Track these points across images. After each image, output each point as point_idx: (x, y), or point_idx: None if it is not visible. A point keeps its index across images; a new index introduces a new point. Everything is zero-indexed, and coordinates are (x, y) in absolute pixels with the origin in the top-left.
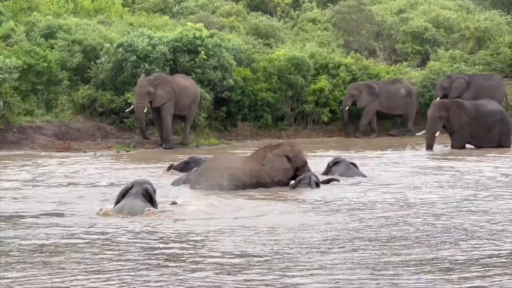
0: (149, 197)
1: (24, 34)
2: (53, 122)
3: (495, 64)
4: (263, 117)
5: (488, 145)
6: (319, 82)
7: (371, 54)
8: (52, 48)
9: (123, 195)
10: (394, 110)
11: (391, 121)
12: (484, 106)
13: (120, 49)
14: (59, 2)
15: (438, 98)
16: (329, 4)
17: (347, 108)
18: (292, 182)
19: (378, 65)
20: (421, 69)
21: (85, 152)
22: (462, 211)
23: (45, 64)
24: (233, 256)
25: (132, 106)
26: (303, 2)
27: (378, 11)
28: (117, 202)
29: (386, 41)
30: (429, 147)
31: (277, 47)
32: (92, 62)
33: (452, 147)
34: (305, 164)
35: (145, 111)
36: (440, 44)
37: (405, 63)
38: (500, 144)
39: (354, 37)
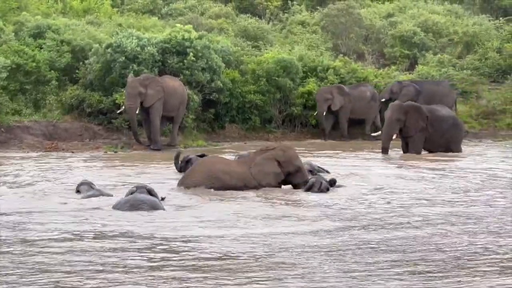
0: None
1: (13, 33)
2: (41, 122)
3: (483, 69)
4: (251, 119)
5: (439, 150)
6: (307, 85)
7: (360, 58)
8: (41, 48)
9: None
10: (360, 115)
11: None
12: (439, 111)
13: (109, 50)
14: (48, 2)
15: (383, 99)
16: (318, 7)
17: (324, 113)
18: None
19: (367, 69)
20: (409, 73)
21: (73, 152)
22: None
23: (34, 64)
24: (226, 258)
25: (122, 107)
26: (292, 5)
27: (367, 14)
28: None
29: (375, 45)
30: (385, 150)
31: (266, 49)
32: (81, 63)
33: (409, 152)
34: (298, 169)
35: (137, 112)
36: (429, 49)
37: (393, 67)
38: (450, 149)
39: (343, 40)
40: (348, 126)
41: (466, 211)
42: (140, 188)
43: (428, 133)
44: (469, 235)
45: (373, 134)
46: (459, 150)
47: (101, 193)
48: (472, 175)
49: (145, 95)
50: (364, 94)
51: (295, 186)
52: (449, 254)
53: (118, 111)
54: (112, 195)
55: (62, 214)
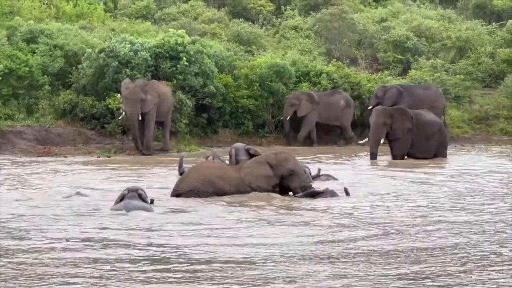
0: (143, 200)
1: (6, 38)
2: (34, 127)
3: (476, 74)
4: (244, 124)
5: (425, 156)
6: (300, 90)
7: (353, 63)
8: (34, 52)
9: (121, 199)
10: (332, 121)
11: (334, 132)
12: (423, 116)
13: (102, 55)
14: (41, 7)
15: (370, 107)
16: (311, 12)
17: (288, 118)
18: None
19: (360, 74)
20: (403, 78)
21: (65, 157)
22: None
23: (27, 69)
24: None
25: (123, 114)
26: (285, 10)
27: (360, 19)
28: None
29: (368, 50)
30: (373, 155)
31: (259, 54)
32: (74, 67)
33: (393, 157)
34: (292, 173)
35: (140, 118)
36: (422, 53)
37: (386, 72)
38: (437, 155)
39: (336, 45)
40: (323, 132)
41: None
42: (131, 191)
43: (413, 138)
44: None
45: (360, 142)
46: (445, 156)
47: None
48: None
49: (144, 101)
50: (338, 102)
51: (293, 192)
52: None
53: (120, 117)
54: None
55: (56, 219)
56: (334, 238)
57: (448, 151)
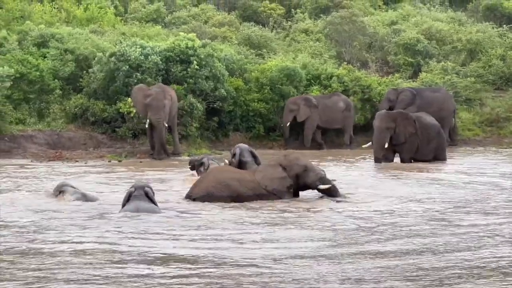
0: (150, 198)
1: (17, 43)
2: (45, 131)
3: (487, 77)
4: (255, 128)
5: (425, 159)
6: (311, 93)
7: (363, 66)
8: (45, 57)
9: (128, 197)
10: (332, 125)
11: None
12: (424, 119)
13: (113, 59)
14: (51, 11)
15: (383, 110)
16: (321, 15)
17: (288, 124)
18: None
19: (370, 77)
20: (413, 81)
21: (77, 161)
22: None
23: (38, 73)
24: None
25: (147, 121)
26: (296, 13)
27: (371, 22)
28: (123, 204)
29: (378, 53)
30: (377, 159)
31: (270, 57)
32: (85, 71)
33: (401, 160)
34: (305, 168)
35: (166, 125)
36: (432, 56)
37: (397, 75)
38: (436, 158)
39: (346, 48)
40: (333, 135)
41: None
42: (138, 188)
43: (418, 139)
44: None
45: (364, 146)
46: (444, 159)
47: (85, 197)
48: None
49: (165, 106)
50: (337, 104)
51: (312, 186)
52: None
53: (147, 125)
54: (98, 199)
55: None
56: (352, 243)
57: (459, 154)
